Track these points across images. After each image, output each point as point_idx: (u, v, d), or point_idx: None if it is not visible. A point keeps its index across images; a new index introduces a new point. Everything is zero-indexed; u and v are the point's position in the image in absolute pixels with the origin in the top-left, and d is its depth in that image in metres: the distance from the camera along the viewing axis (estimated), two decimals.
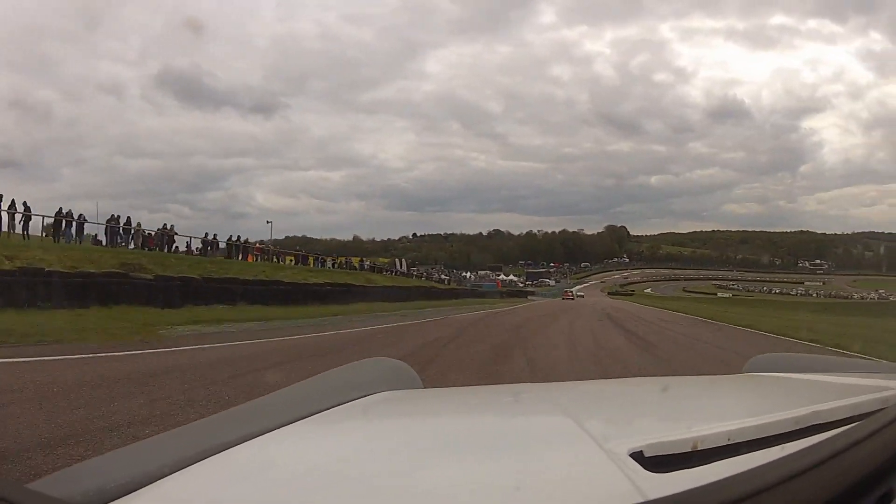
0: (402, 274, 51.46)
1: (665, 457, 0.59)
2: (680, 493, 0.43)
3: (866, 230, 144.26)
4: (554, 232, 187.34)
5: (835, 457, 0.44)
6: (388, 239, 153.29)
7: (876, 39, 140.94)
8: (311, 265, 32.31)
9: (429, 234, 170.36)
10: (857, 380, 1.02)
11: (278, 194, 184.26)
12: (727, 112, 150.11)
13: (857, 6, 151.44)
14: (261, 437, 0.73)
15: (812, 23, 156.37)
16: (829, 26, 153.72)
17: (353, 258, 43.43)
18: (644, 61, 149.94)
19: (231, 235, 26.67)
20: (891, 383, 0.91)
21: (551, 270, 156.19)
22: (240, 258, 25.43)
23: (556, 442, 0.76)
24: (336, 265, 36.93)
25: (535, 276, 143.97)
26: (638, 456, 0.59)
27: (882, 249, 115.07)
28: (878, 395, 0.81)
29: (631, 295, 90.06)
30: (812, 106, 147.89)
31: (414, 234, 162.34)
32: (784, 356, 1.50)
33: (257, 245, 29.21)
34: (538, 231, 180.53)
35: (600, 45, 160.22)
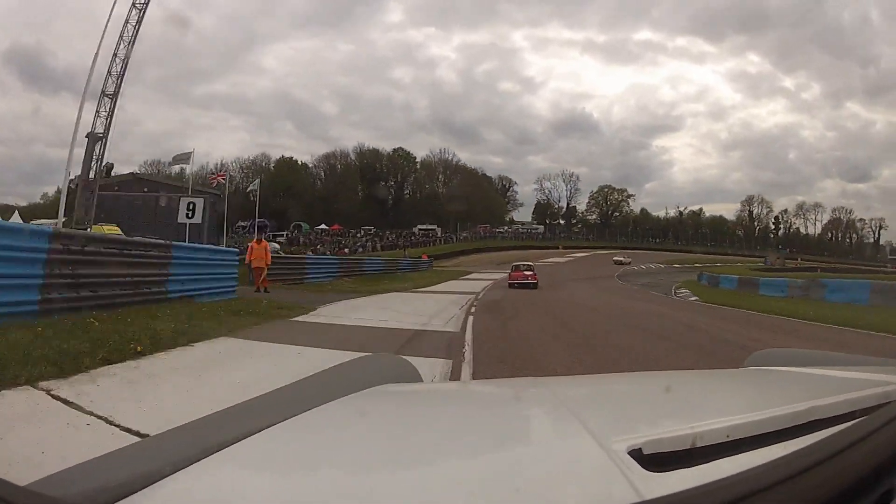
0: None
1: (664, 454, 0.58)
2: (678, 494, 0.42)
3: None
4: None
5: (836, 455, 0.43)
6: None
7: (753, 61, 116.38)
8: None
9: None
10: (857, 375, 1.00)
11: None
12: (574, 126, 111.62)
13: (740, 25, 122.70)
14: (259, 433, 0.71)
15: (681, 41, 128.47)
16: (700, 45, 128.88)
17: None
18: (491, 69, 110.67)
19: None
20: (892, 378, 0.90)
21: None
22: None
23: (554, 438, 0.75)
24: None
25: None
26: (636, 453, 0.57)
27: None
28: (879, 389, 0.80)
29: None
30: (667, 124, 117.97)
31: None
32: (785, 351, 1.47)
33: None
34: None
35: (447, 48, 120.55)
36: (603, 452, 0.58)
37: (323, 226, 60.93)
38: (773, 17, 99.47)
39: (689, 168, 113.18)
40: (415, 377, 1.20)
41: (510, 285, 19.28)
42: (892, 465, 0.44)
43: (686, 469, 0.55)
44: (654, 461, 0.56)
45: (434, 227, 60.07)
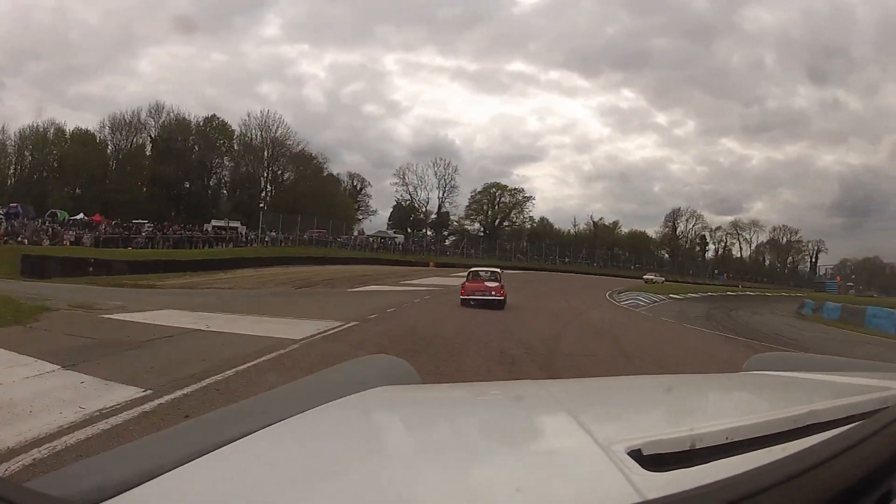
0: None
1: (663, 455, 0.59)
2: (678, 494, 0.42)
3: None
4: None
5: (835, 457, 0.44)
6: None
7: (627, 97, 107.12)
8: None
9: None
10: (855, 380, 1.01)
11: None
12: (435, 151, 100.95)
13: (618, 63, 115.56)
14: (258, 432, 0.71)
15: (555, 74, 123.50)
16: (574, 80, 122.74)
17: None
18: (358, 90, 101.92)
19: None
20: (890, 383, 0.90)
21: None
22: None
23: (554, 439, 0.76)
24: None
25: None
26: (636, 454, 0.58)
27: None
28: (876, 395, 0.81)
29: None
30: (530, 154, 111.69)
31: None
32: (784, 355, 1.42)
33: None
34: None
35: (317, 67, 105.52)
36: (602, 452, 0.58)
37: (81, 215, 40.34)
38: (655, 57, 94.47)
39: (550, 197, 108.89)
40: (413, 379, 1.18)
41: (463, 301, 13.84)
42: (890, 468, 0.44)
43: (686, 469, 0.55)
44: (654, 462, 0.56)
45: (237, 224, 40.78)
